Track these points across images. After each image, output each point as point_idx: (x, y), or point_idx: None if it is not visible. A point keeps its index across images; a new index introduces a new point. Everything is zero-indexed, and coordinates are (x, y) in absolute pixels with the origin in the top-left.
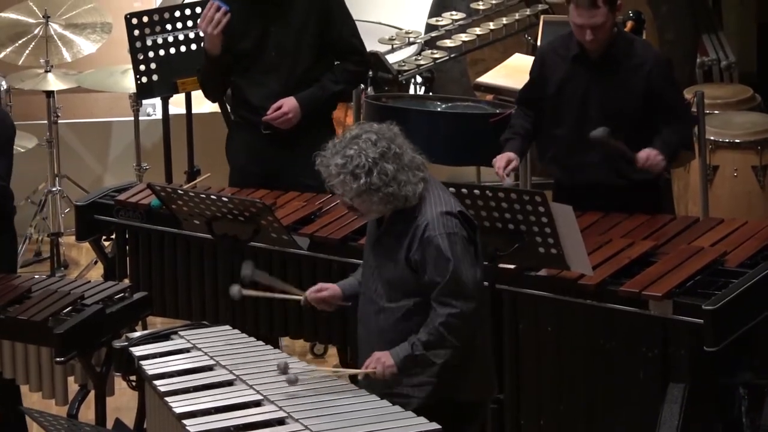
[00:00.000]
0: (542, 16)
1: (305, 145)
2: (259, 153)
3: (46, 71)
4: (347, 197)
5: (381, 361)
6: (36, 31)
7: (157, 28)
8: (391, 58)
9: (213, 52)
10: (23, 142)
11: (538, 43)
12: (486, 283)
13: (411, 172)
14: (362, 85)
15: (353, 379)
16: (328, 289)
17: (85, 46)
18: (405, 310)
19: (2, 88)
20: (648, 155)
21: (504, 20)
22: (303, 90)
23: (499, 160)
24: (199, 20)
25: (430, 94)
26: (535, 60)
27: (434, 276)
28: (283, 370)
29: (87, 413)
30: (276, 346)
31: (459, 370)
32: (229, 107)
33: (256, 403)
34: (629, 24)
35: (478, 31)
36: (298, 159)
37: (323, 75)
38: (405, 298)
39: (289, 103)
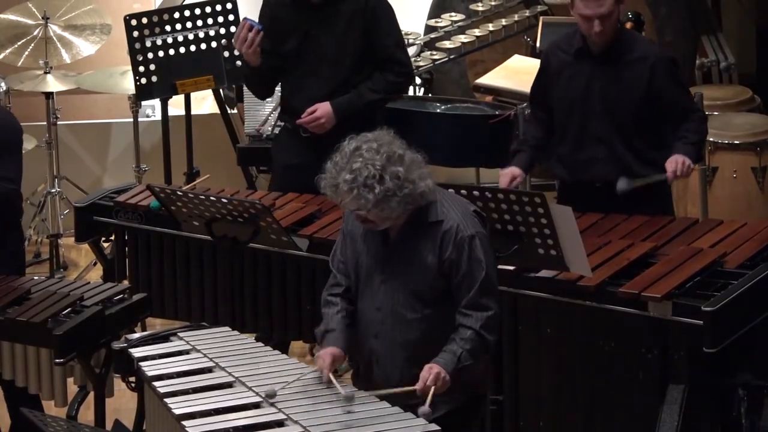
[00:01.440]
0: (541, 18)
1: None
2: (300, 156)
3: (46, 72)
4: (364, 210)
5: (440, 376)
6: (35, 33)
7: (157, 30)
8: None
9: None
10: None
11: (538, 44)
12: None
13: (418, 170)
14: None
15: (354, 379)
16: (337, 356)
17: (85, 47)
18: (429, 317)
19: (2, 90)
20: (675, 168)
21: (503, 22)
22: (343, 95)
23: (504, 177)
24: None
25: (430, 95)
26: (541, 59)
27: (471, 274)
28: (350, 398)
29: (86, 414)
30: (286, 351)
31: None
32: (229, 109)
33: (256, 405)
34: (628, 25)
35: (477, 32)
36: None
37: (364, 82)
38: (428, 307)
39: (323, 108)
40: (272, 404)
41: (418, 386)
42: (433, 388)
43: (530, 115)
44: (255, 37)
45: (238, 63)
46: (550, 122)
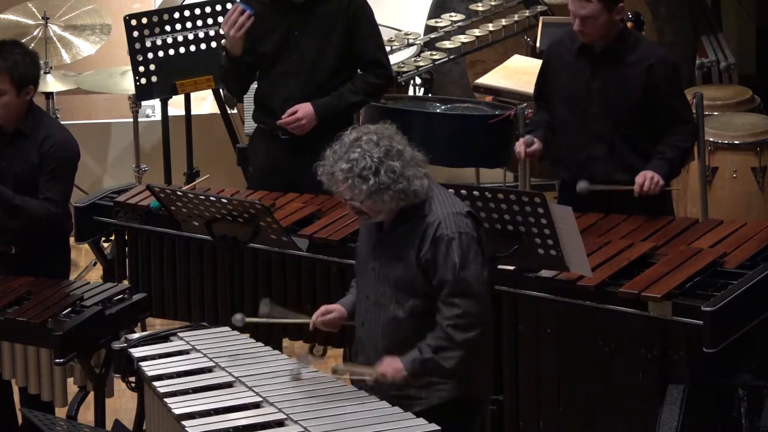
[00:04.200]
0: (541, 18)
1: (325, 151)
2: (279, 158)
3: (46, 72)
4: (357, 201)
5: (392, 365)
6: (35, 33)
7: (157, 30)
8: (391, 60)
9: (234, 53)
10: None
11: (537, 44)
12: None
13: (415, 168)
14: None
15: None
16: (334, 311)
17: (85, 47)
18: (412, 311)
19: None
20: (643, 181)
21: (503, 22)
22: (322, 97)
23: (520, 144)
24: (221, 22)
25: (430, 95)
26: (543, 55)
27: (443, 276)
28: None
29: (86, 414)
30: (279, 348)
31: (465, 370)
32: (229, 109)
33: (255, 405)
34: (629, 25)
35: (477, 32)
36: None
37: (343, 84)
38: (413, 298)
39: (304, 109)
40: (271, 403)
41: (371, 373)
42: (378, 374)
43: (536, 107)
44: (245, 21)
45: None
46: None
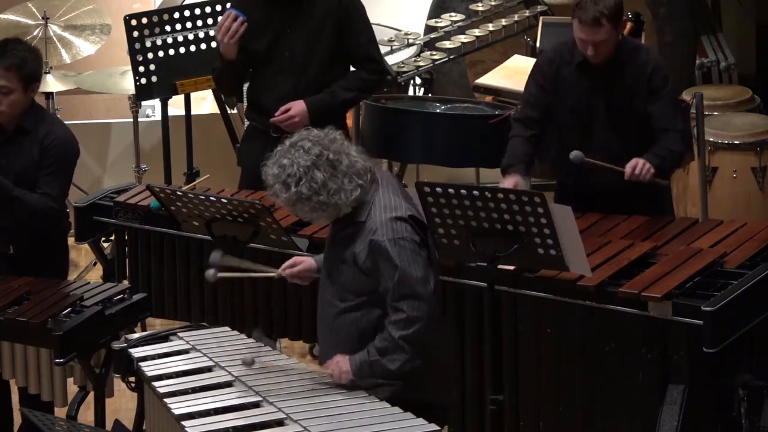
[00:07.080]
0: (541, 18)
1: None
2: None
3: (45, 73)
4: (284, 205)
5: (339, 365)
6: (35, 33)
7: (157, 30)
8: (390, 60)
9: (228, 57)
10: None
11: (538, 44)
12: (485, 284)
13: (347, 178)
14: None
15: None
16: (303, 262)
17: (85, 47)
18: (355, 308)
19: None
20: (635, 165)
21: (503, 22)
22: (314, 94)
23: (505, 184)
24: (215, 29)
25: (429, 95)
26: (541, 63)
27: (386, 283)
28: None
29: (86, 414)
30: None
31: (416, 371)
32: (229, 109)
33: (255, 404)
34: (628, 25)
35: (477, 32)
36: None
37: (336, 81)
38: (355, 297)
39: (297, 107)
40: (271, 402)
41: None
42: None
43: (517, 123)
44: (239, 27)
45: None
46: (543, 124)
